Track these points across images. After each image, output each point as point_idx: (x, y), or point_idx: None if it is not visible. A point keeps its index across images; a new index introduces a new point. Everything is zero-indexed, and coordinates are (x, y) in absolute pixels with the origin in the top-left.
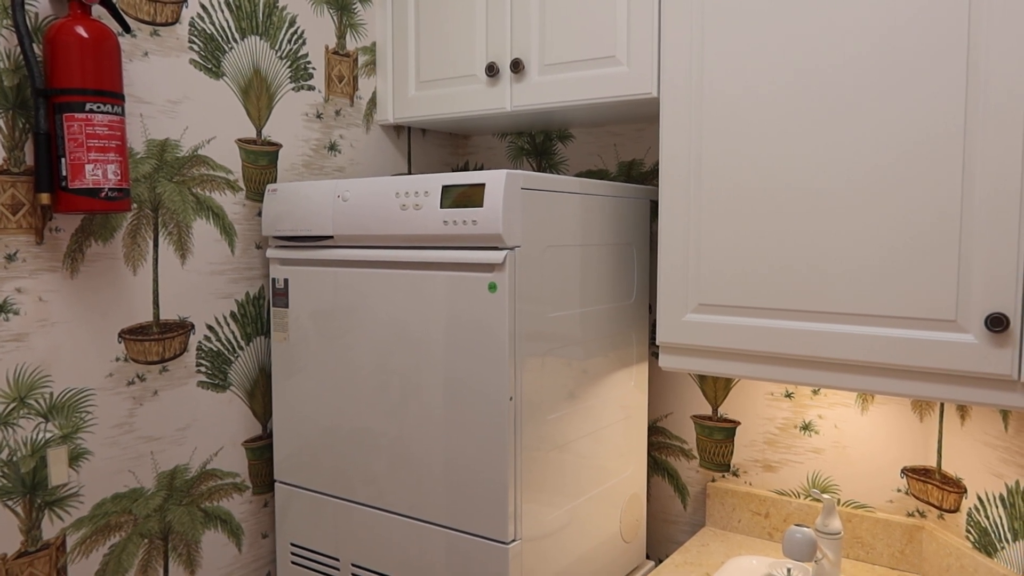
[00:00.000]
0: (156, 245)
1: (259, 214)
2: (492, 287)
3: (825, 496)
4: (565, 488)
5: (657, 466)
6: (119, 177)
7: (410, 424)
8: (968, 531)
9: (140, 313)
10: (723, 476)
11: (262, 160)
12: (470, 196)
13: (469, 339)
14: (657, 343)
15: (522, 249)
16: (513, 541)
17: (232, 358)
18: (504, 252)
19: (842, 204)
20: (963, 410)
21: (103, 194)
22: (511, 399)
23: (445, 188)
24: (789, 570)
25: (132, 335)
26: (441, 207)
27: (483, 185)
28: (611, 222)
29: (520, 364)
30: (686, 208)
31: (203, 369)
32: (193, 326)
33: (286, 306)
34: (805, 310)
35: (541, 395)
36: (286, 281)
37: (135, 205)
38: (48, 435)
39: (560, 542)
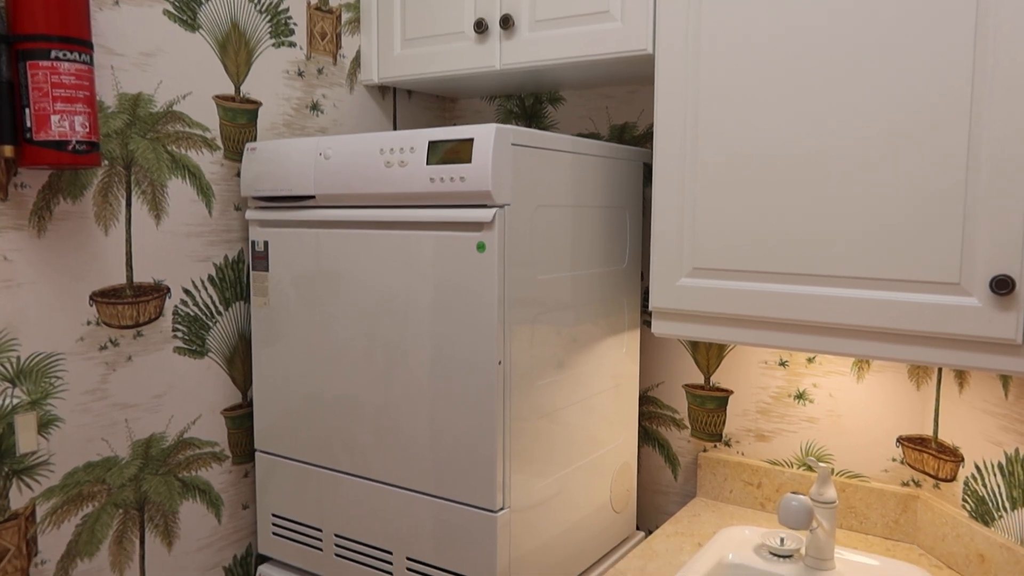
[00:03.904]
0: (129, 204)
1: (238, 174)
2: (481, 247)
3: (821, 464)
4: (554, 456)
5: (648, 436)
6: (87, 129)
7: (396, 390)
8: (965, 500)
9: (112, 275)
10: (715, 446)
11: (241, 118)
12: (458, 152)
13: (457, 301)
14: (650, 309)
15: (512, 207)
16: (501, 510)
17: (210, 323)
18: (493, 210)
19: (845, 164)
20: (961, 377)
21: (70, 147)
22: (500, 363)
23: (432, 144)
24: (783, 539)
25: (104, 298)
26: (427, 164)
27: (471, 140)
28: (604, 184)
29: (509, 327)
30: (681, 168)
31: (180, 334)
32: (169, 290)
33: (266, 270)
34: (803, 273)
35: (530, 360)
36: (266, 244)
37: (106, 162)
38: (15, 401)
39: (549, 511)
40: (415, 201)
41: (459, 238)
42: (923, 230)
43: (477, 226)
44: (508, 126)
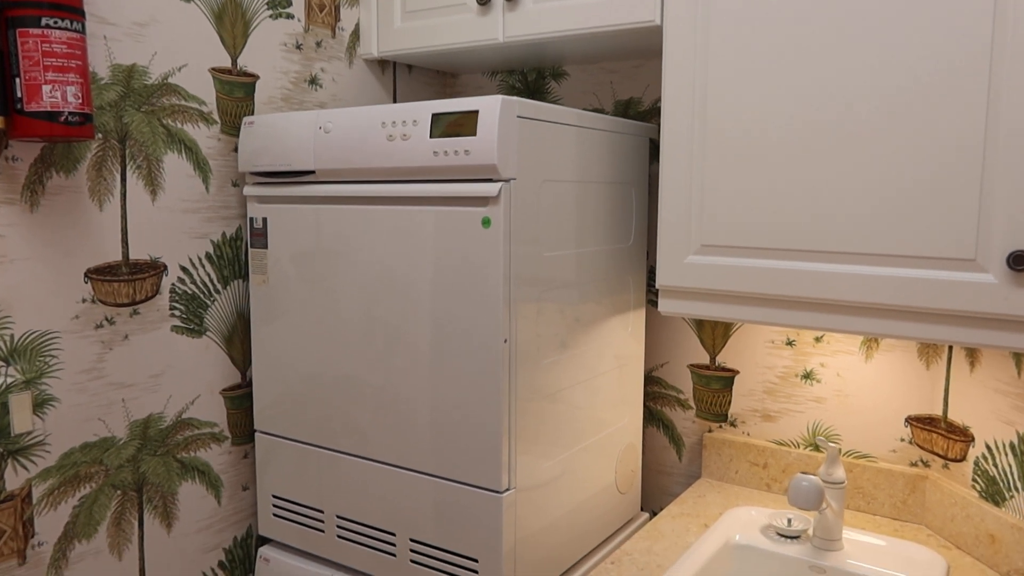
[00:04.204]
0: (124, 179)
1: (235, 149)
2: (486, 222)
3: (830, 444)
4: (560, 437)
5: (652, 417)
6: (80, 100)
7: (398, 369)
8: (975, 480)
9: (108, 252)
10: (720, 426)
11: (238, 91)
12: (462, 124)
13: (460, 278)
14: (656, 287)
15: (518, 182)
16: (507, 490)
17: (208, 302)
18: (499, 184)
19: (856, 136)
20: (973, 356)
21: (63, 118)
22: (505, 342)
23: (435, 116)
24: (790, 520)
25: (99, 275)
26: (431, 137)
27: (476, 112)
28: (609, 160)
29: (515, 305)
30: (689, 142)
31: (177, 313)
32: (166, 267)
33: (265, 247)
34: (815, 250)
35: (536, 339)
36: (264, 220)
37: (100, 135)
38: (10, 380)
39: (554, 492)
40: (418, 176)
41: (463, 213)
42: (938, 204)
43: (482, 201)
44: (514, 98)
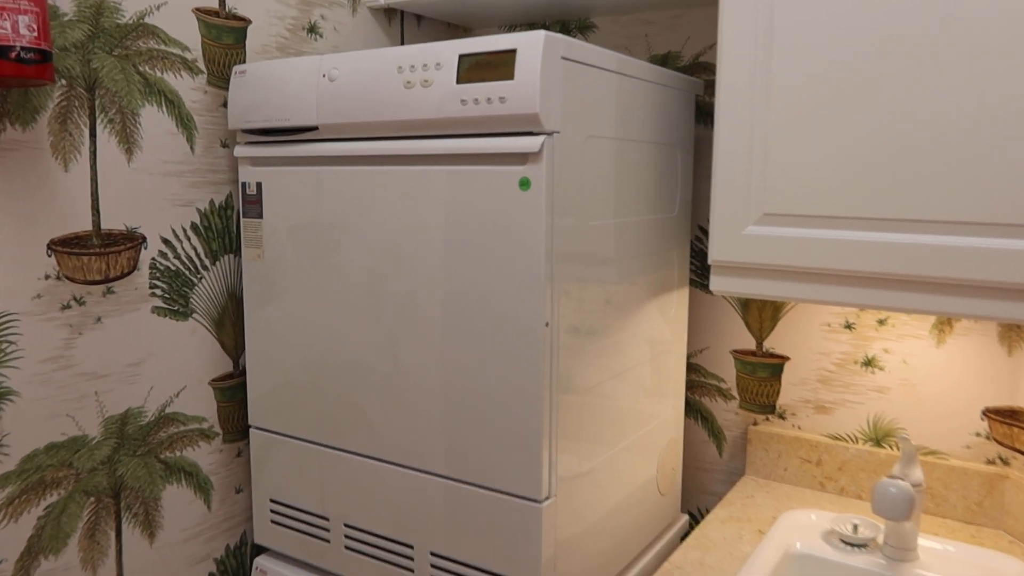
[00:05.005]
0: (93, 135)
1: (224, 104)
2: (524, 184)
3: (907, 440)
4: (602, 434)
5: (690, 408)
6: (35, 33)
7: (414, 358)
8: None
9: (75, 220)
10: (767, 419)
11: (227, 37)
12: (496, 67)
13: (492, 252)
14: (709, 262)
15: (561, 136)
16: (547, 499)
17: (195, 279)
18: (541, 138)
19: (950, 74)
20: None
21: (14, 54)
22: (547, 326)
23: (463, 57)
24: (856, 526)
25: (65, 247)
26: (457, 82)
27: (514, 52)
28: (654, 115)
29: (557, 283)
30: (750, 93)
31: (159, 292)
32: (144, 239)
33: (260, 216)
34: (896, 218)
35: (577, 322)
36: (259, 186)
37: (63, 81)
38: None
39: (594, 498)
40: (441, 129)
41: (497, 173)
42: None
43: (520, 158)
44: (558, 35)
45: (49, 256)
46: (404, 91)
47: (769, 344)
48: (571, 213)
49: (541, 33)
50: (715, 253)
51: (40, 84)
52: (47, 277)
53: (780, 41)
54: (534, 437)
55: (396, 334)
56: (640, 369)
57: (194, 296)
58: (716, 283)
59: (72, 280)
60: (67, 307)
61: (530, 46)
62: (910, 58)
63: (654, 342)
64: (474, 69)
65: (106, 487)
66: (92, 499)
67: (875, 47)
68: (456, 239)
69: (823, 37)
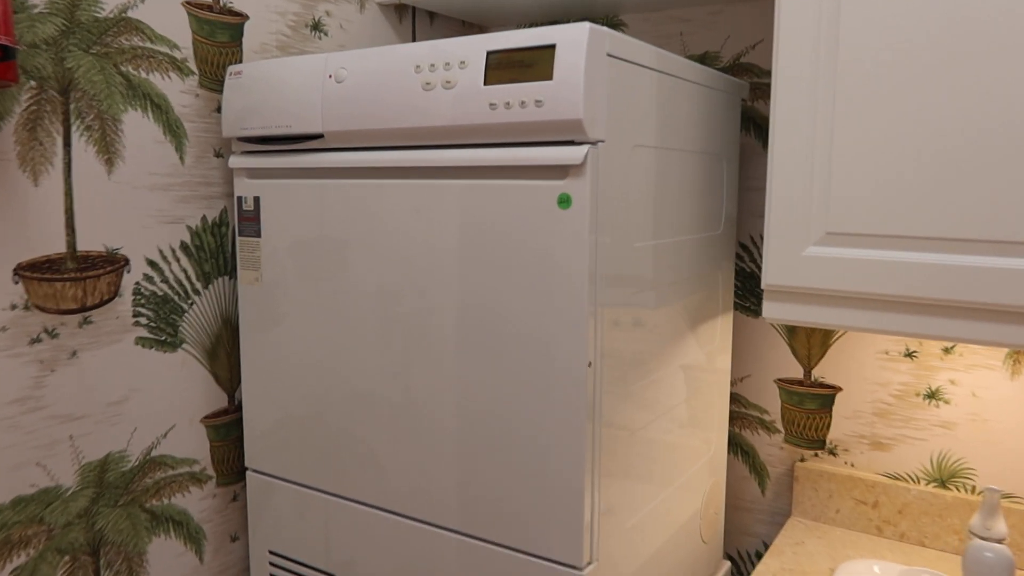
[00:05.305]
0: (68, 144)
1: (218, 109)
2: (564, 201)
3: (994, 491)
4: (649, 483)
5: (729, 441)
6: None
7: (430, 397)
8: None
9: (47, 241)
10: (815, 455)
11: (221, 34)
12: (531, 65)
13: (524, 279)
14: (763, 286)
15: (607, 145)
16: (588, 565)
17: (184, 306)
18: (585, 148)
19: None
20: None
21: None
22: (590, 365)
23: (491, 54)
24: None
25: (35, 272)
26: (485, 84)
27: (552, 48)
28: (700, 121)
29: (600, 312)
30: (813, 94)
31: (143, 320)
32: (127, 261)
33: (257, 235)
34: (981, 239)
35: (623, 357)
36: (256, 200)
37: (32, 82)
38: None
39: (637, 553)
40: (465, 137)
41: (531, 189)
42: None
43: (560, 172)
44: (603, 27)
45: (16, 283)
46: (422, 93)
47: (818, 373)
48: (614, 234)
49: (586, 25)
50: (769, 277)
51: (2, 86)
52: (13, 307)
53: (849, 20)
54: (575, 492)
55: (410, 370)
56: (686, 405)
57: (184, 324)
58: (770, 310)
59: (43, 310)
60: (37, 340)
61: (572, 41)
62: (1012, 36)
63: (700, 373)
64: (505, 68)
65: (83, 543)
66: (67, 558)
67: (967, 26)
68: (480, 264)
69: (902, 17)
